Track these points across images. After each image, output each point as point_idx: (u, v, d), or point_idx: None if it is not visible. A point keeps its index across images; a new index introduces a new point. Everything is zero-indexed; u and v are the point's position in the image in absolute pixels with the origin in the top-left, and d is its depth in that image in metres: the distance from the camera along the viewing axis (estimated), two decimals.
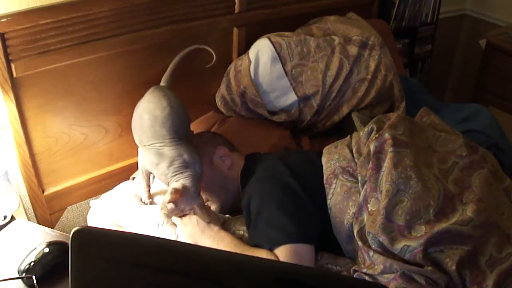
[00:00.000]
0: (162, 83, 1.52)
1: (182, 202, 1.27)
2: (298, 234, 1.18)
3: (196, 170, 1.32)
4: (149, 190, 1.46)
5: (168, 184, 1.34)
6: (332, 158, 1.32)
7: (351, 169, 1.28)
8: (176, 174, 1.30)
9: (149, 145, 1.35)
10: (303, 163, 1.35)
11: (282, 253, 1.16)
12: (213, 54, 1.57)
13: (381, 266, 1.09)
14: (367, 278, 1.10)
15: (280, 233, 1.18)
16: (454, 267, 1.06)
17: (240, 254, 1.19)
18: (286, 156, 1.38)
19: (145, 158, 1.37)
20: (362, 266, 1.14)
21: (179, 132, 1.35)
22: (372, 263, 1.12)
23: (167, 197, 1.26)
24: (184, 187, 1.27)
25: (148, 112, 1.35)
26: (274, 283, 0.65)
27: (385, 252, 1.12)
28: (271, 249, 1.17)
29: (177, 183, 1.28)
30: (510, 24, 2.69)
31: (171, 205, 1.25)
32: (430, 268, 1.06)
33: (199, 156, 1.35)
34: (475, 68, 2.76)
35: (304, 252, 1.17)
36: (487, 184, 1.20)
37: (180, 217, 1.31)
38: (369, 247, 1.14)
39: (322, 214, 1.26)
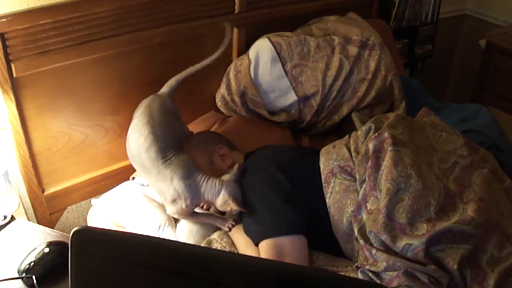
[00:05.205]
0: (165, 88, 1.50)
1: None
2: (278, 227, 1.18)
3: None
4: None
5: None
6: (330, 158, 1.32)
7: (349, 168, 1.28)
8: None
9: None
10: (293, 158, 1.36)
11: (262, 249, 1.17)
12: (229, 30, 1.60)
13: (384, 264, 1.10)
14: (370, 274, 1.11)
15: (261, 227, 1.19)
16: (455, 266, 1.06)
17: (240, 254, 1.20)
18: (278, 150, 1.40)
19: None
20: (365, 263, 1.15)
21: (163, 152, 1.31)
22: (375, 261, 1.12)
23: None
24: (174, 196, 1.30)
25: (133, 142, 1.35)
26: (274, 283, 0.65)
27: (388, 250, 1.12)
28: (257, 244, 1.18)
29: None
30: (510, 24, 2.69)
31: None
32: (433, 266, 1.07)
33: (191, 164, 1.32)
34: (475, 68, 2.76)
35: (285, 245, 1.17)
36: (487, 184, 1.20)
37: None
38: (372, 245, 1.14)
39: (317, 213, 1.26)
